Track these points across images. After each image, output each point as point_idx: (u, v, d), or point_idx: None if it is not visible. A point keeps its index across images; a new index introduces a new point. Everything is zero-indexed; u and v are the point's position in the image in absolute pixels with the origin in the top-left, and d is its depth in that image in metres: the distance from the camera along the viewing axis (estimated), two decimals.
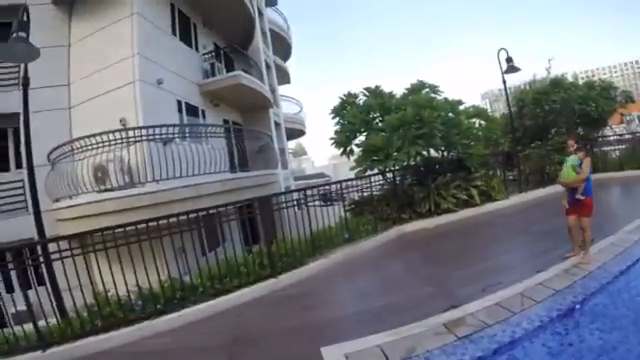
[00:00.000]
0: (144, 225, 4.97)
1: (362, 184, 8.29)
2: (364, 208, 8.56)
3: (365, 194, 8.69)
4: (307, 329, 4.39)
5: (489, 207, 9.48)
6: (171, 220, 5.21)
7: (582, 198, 5.25)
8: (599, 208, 5.74)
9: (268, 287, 5.69)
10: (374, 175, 8.55)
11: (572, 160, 5.38)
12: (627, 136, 14.67)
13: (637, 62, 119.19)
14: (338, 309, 4.99)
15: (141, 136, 7.16)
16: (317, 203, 7.29)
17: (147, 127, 7.33)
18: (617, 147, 13.88)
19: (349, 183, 8.15)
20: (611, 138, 14.65)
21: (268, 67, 18.01)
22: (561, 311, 4.26)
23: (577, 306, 4.40)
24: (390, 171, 8.69)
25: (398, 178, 8.96)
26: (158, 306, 4.94)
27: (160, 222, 5.07)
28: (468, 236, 7.82)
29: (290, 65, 24.48)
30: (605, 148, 14.04)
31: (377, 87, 9.62)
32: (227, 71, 12.73)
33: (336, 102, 9.87)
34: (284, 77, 23.39)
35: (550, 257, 5.59)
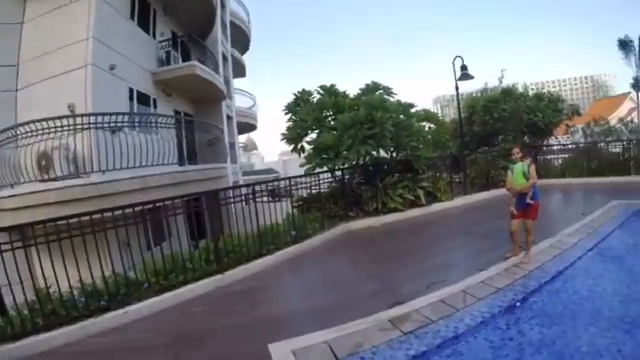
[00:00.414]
0: (88, 217, 4.84)
1: (311, 181, 8.56)
2: (312, 205, 8.84)
3: (313, 191, 8.92)
4: (254, 326, 4.46)
5: (435, 208, 10.16)
6: (116, 213, 5.11)
7: (531, 202, 5.79)
8: (541, 212, 6.36)
9: (214, 283, 5.72)
10: (323, 173, 8.88)
11: (521, 167, 5.87)
12: (570, 146, 16.09)
13: (586, 78, 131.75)
14: (285, 305, 5.10)
15: (89, 123, 6.99)
16: (265, 199, 7.41)
17: (96, 114, 7.13)
18: (560, 156, 15.30)
19: (298, 180, 8.33)
20: (555, 147, 15.97)
21: (225, 59, 18.01)
22: (502, 308, 4.60)
23: (517, 303, 4.77)
24: (339, 169, 9.05)
25: (347, 176, 9.38)
26: (102, 303, 4.83)
27: (105, 215, 4.97)
28: (414, 235, 8.27)
29: (247, 59, 24.50)
30: (549, 156, 15.44)
31: (332, 86, 9.95)
32: (183, 60, 12.68)
33: (291, 99, 10.22)
34: (240, 70, 23.37)
35: (491, 257, 6.08)
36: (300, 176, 8.48)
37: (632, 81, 17.64)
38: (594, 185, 12.90)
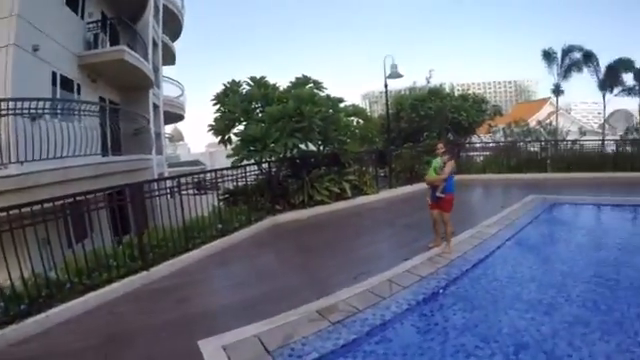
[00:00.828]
0: (4, 213, 4.52)
1: (237, 174, 8.70)
2: (238, 198, 9.05)
3: (240, 184, 9.05)
4: (183, 322, 4.49)
5: (360, 200, 10.87)
6: (35, 208, 4.83)
7: (442, 196, 6.37)
8: (463, 205, 7.10)
9: (140, 280, 5.65)
10: (250, 165, 9.08)
11: (437, 162, 6.49)
12: (491, 144, 17.79)
13: (510, 83, 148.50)
14: (213, 300, 5.18)
15: (7, 109, 6.40)
16: (191, 192, 7.43)
17: (16, 99, 6.58)
18: (482, 153, 16.98)
19: (224, 172, 8.44)
20: (477, 145, 17.58)
21: (155, 45, 17.43)
22: (426, 295, 4.97)
23: (441, 290, 5.17)
24: (266, 162, 9.35)
25: (274, 169, 9.70)
26: (22, 307, 4.54)
27: (23, 210, 4.68)
28: (340, 227, 8.82)
29: (178, 46, 23.83)
30: (471, 153, 17.02)
31: (262, 77, 10.17)
32: (111, 44, 12.13)
33: (220, 89, 10.30)
34: (170, 57, 22.69)
35: (415, 247, 6.62)
36: (227, 168, 8.63)
37: (552, 87, 19.49)
38: (513, 181, 14.49)
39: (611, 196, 11.46)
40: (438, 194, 6.36)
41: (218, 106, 9.90)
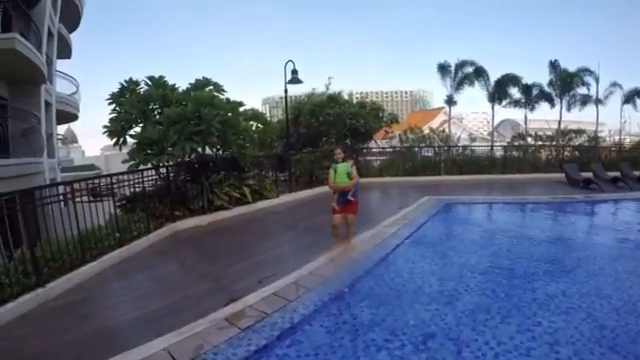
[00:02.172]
0: None
1: (135, 179, 8.91)
2: (136, 205, 9.20)
3: (137, 190, 9.26)
4: (87, 341, 4.50)
5: (261, 205, 11.81)
6: None
7: (352, 199, 7.38)
8: (362, 207, 8.04)
9: (36, 299, 5.54)
10: (147, 170, 9.30)
11: (345, 167, 7.37)
12: (388, 149, 20.31)
13: (406, 93, 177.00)
14: (117, 315, 5.19)
15: None
16: (86, 199, 7.34)
17: None
18: (379, 158, 19.48)
19: (121, 177, 8.55)
20: (374, 150, 19.90)
21: (50, 35, 16.43)
22: (332, 295, 5.47)
23: (346, 289, 5.75)
24: (164, 166, 9.67)
25: (172, 174, 10.06)
26: None
27: None
28: (241, 232, 9.41)
29: (75, 38, 22.58)
30: (369, 158, 19.30)
31: (160, 77, 10.49)
32: (2, 31, 11.44)
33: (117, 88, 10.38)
34: (65, 50, 21.45)
35: (317, 249, 7.31)
36: (123, 173, 8.75)
37: (446, 98, 22.19)
38: (409, 183, 16.87)
39: (500, 195, 14.18)
40: (349, 197, 7.27)
41: (114, 106, 10.02)
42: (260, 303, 5.14)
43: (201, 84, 10.88)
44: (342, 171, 7.30)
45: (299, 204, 12.45)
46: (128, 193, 9.40)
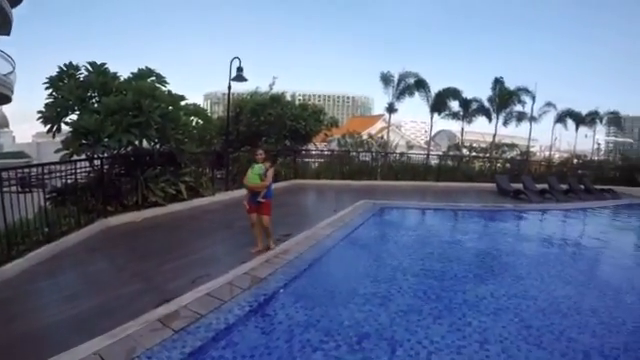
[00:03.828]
0: None
1: (67, 170, 8.67)
2: (67, 198, 8.92)
3: (69, 182, 8.93)
4: (14, 346, 4.36)
5: (197, 202, 11.96)
6: None
7: (262, 201, 7.67)
8: (297, 208, 8.32)
9: None
10: (81, 161, 9.13)
11: (259, 168, 7.67)
12: (326, 152, 21.03)
13: (348, 98, 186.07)
14: (46, 317, 5.03)
15: None
16: (14, 189, 7.03)
17: None
18: (317, 160, 20.28)
19: (52, 167, 8.31)
20: (313, 152, 20.63)
21: None
22: (267, 295, 5.67)
23: (281, 290, 5.96)
24: (99, 158, 9.54)
25: (106, 166, 9.92)
26: None
27: None
28: (176, 230, 9.49)
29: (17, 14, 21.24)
30: (307, 160, 19.99)
31: (102, 64, 10.31)
32: None
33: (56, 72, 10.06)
34: (5, 25, 20.12)
35: (252, 249, 7.67)
36: (55, 163, 8.55)
37: (387, 105, 23.32)
38: (346, 187, 17.73)
39: (434, 202, 15.31)
40: (259, 199, 7.54)
41: (51, 91, 9.73)
42: (194, 304, 5.22)
43: (144, 74, 10.85)
44: (256, 171, 7.59)
45: (235, 203, 12.42)
46: (59, 185, 9.09)
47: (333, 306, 5.73)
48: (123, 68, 10.58)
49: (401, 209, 13.91)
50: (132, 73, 10.84)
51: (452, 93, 23.86)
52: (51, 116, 9.50)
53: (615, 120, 28.83)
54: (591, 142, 30.63)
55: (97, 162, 9.65)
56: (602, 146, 30.14)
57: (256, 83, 19.97)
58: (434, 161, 22.19)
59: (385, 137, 23.33)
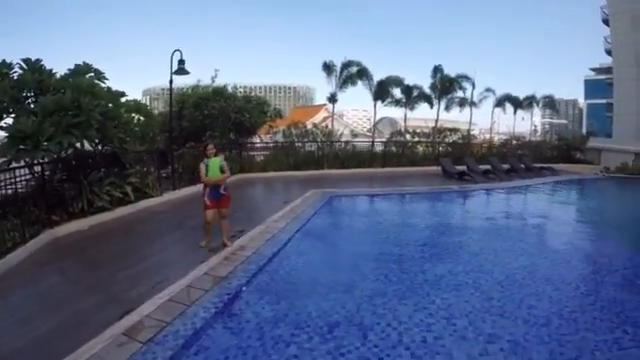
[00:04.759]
0: None
1: (6, 179, 8.24)
2: (8, 210, 8.26)
3: (9, 191, 8.46)
4: None
5: (144, 204, 11.62)
6: None
7: (224, 193, 7.83)
8: (247, 203, 8.31)
9: None
10: (20, 168, 8.65)
11: (217, 161, 7.80)
12: (271, 144, 21.15)
13: (289, 88, 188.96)
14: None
15: None
16: None
17: None
18: (263, 152, 20.37)
19: None
20: (258, 145, 20.70)
21: None
22: (231, 295, 5.72)
23: (244, 288, 6.03)
24: (39, 164, 9.06)
25: (47, 172, 9.41)
26: None
27: None
28: (126, 235, 9.26)
29: None
30: (252, 152, 20.00)
31: (37, 60, 9.71)
32: None
33: None
34: None
35: (207, 248, 7.74)
36: None
37: (329, 95, 23.57)
38: (293, 178, 17.99)
39: (382, 187, 16.07)
40: (222, 191, 7.78)
41: None
42: (157, 311, 5.14)
43: (81, 70, 10.37)
44: (215, 165, 7.72)
45: (184, 201, 12.43)
46: None
47: (298, 298, 5.88)
48: (52, 65, 10.02)
49: (351, 197, 14.30)
50: (69, 69, 10.33)
51: (394, 81, 24.41)
52: None
53: (550, 103, 30.78)
54: (528, 124, 32.46)
55: (37, 168, 9.20)
56: (538, 128, 31.79)
57: (196, 77, 19.72)
58: (379, 148, 23.10)
59: (330, 126, 23.47)
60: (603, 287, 6.89)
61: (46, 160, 9.24)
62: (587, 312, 5.75)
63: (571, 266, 7.81)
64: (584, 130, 49.37)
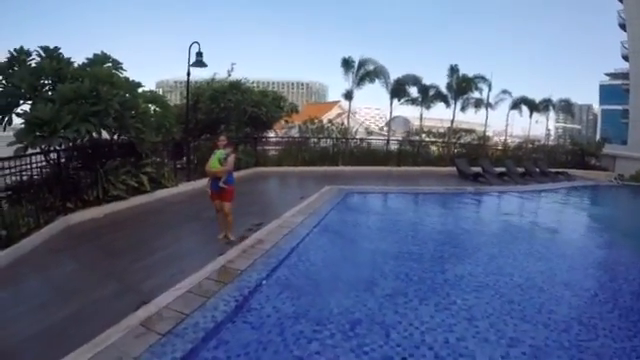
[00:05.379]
0: None
1: (21, 165, 8.20)
2: (23, 196, 8.33)
3: (25, 178, 8.48)
4: None
5: (160, 194, 11.60)
6: None
7: (224, 186, 7.61)
8: (263, 197, 8.17)
9: None
10: (36, 154, 8.57)
11: (220, 153, 7.67)
12: (287, 139, 21.11)
13: (301, 84, 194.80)
14: (14, 332, 4.55)
15: None
16: None
17: None
18: (278, 147, 20.34)
19: (5, 164, 7.66)
20: (274, 139, 20.80)
21: None
22: (251, 288, 5.61)
23: (264, 282, 5.93)
24: (55, 151, 8.96)
25: (63, 160, 9.32)
26: None
27: None
28: (142, 224, 9.15)
29: None
30: (268, 147, 20.00)
31: (56, 48, 9.64)
32: None
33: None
34: None
35: (225, 241, 7.66)
36: (8, 158, 7.81)
37: (345, 92, 23.67)
38: (309, 173, 17.92)
39: (397, 185, 15.92)
40: (221, 184, 7.60)
41: (0, 78, 8.99)
42: (176, 303, 5.02)
43: (99, 59, 10.28)
44: (217, 156, 7.62)
45: (199, 193, 12.11)
46: (10, 182, 8.36)
47: (319, 294, 5.78)
48: (69, 55, 9.92)
49: (368, 194, 14.23)
50: (87, 58, 10.26)
51: (411, 79, 24.31)
52: (1, 107, 8.84)
53: (566, 107, 30.26)
54: (542, 128, 32.27)
55: (53, 155, 9.10)
56: (552, 132, 31.52)
57: (212, 71, 19.67)
58: (394, 146, 22.84)
59: (345, 123, 23.33)
60: (620, 294, 6.74)
61: (62, 147, 9.16)
62: (605, 319, 5.63)
63: (588, 273, 7.74)
64: (598, 136, 48.69)
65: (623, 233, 11.77)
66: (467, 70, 25.31)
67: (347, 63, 22.44)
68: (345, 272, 6.80)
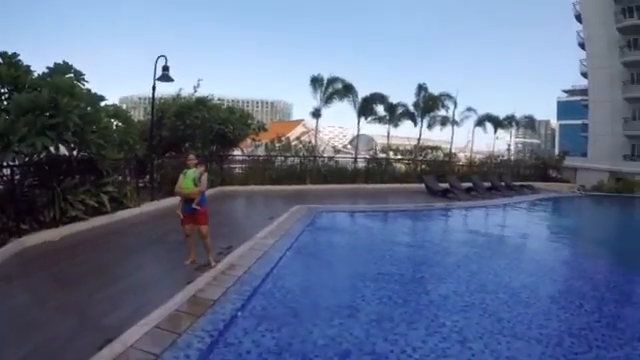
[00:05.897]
0: None
1: None
2: None
3: None
4: None
5: (122, 215, 10.90)
6: None
7: (198, 208, 7.12)
8: (231, 217, 7.67)
9: None
10: None
11: (193, 173, 7.22)
12: (253, 157, 20.74)
13: (266, 103, 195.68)
14: None
15: None
16: None
17: None
18: (244, 165, 20.08)
19: None
20: (240, 157, 20.37)
21: None
22: (226, 321, 5.02)
23: (239, 313, 5.33)
24: (8, 166, 8.33)
25: (17, 176, 8.72)
26: None
27: None
28: (102, 249, 8.55)
29: None
30: (234, 165, 19.71)
31: (14, 54, 9.07)
32: None
33: None
34: None
35: (194, 266, 7.11)
36: None
37: (313, 110, 23.91)
38: (276, 192, 17.61)
39: (367, 203, 15.95)
40: (194, 206, 7.10)
41: None
42: (143, 341, 4.41)
43: (60, 69, 9.72)
44: (190, 177, 7.18)
45: (164, 213, 11.57)
46: None
47: (300, 324, 5.31)
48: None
49: (339, 213, 13.95)
50: (48, 67, 9.66)
51: (379, 98, 24.52)
52: None
53: (530, 123, 31.63)
54: (503, 143, 33.26)
55: (6, 171, 8.49)
56: (512, 147, 32.63)
57: (177, 86, 19.18)
58: (362, 164, 22.96)
59: (312, 141, 23.20)
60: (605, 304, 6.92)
61: (17, 163, 8.51)
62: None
63: (568, 284, 8.06)
64: (557, 149, 50.67)
65: (592, 239, 12.45)
66: (434, 88, 25.98)
67: (316, 81, 22.41)
68: (324, 298, 6.40)
